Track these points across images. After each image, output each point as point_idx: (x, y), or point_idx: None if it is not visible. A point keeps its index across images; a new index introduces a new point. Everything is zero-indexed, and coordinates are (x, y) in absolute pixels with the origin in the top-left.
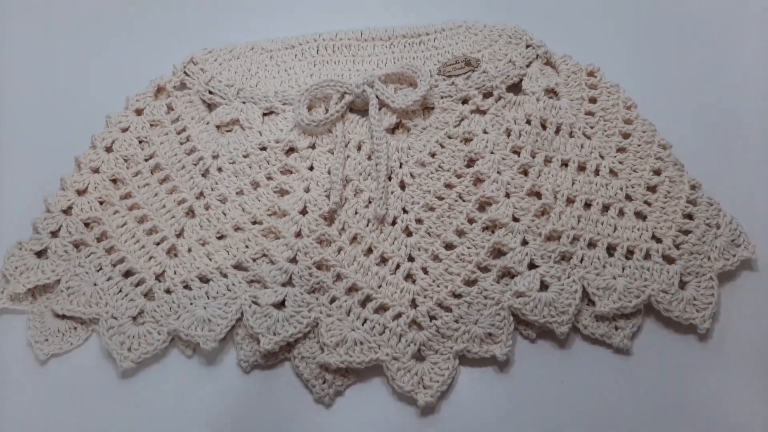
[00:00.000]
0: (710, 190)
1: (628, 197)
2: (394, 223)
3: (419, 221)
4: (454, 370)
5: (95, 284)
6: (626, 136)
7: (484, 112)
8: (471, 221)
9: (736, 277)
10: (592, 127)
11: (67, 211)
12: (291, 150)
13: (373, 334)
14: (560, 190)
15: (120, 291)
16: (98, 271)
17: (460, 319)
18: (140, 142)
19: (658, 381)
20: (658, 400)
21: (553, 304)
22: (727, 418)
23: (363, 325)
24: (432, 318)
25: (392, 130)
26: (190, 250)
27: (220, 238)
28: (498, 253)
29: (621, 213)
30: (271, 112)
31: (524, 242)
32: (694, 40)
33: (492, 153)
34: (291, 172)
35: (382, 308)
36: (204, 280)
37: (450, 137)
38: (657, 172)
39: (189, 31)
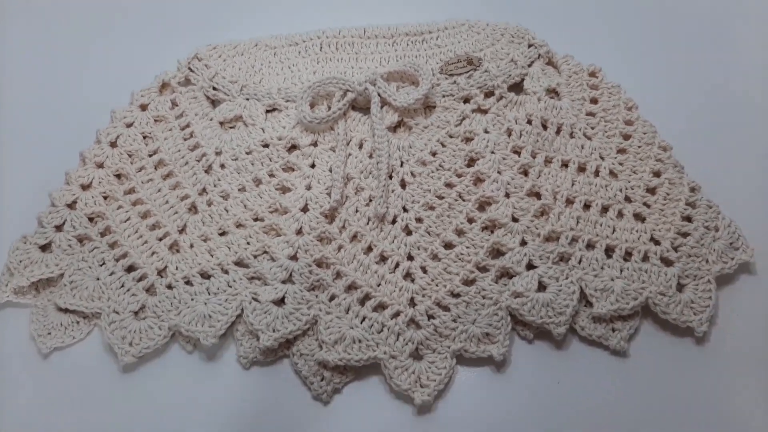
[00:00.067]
0: (710, 193)
1: (628, 199)
2: (394, 221)
3: (419, 220)
4: (451, 370)
5: (98, 279)
6: (627, 137)
7: (485, 112)
8: (470, 221)
9: (734, 280)
10: (592, 128)
11: (71, 206)
12: (293, 147)
13: (371, 332)
14: (560, 191)
15: (122, 286)
16: (101, 265)
17: (458, 319)
18: (144, 137)
19: (654, 383)
20: (654, 402)
21: (550, 305)
22: (724, 421)
23: (362, 323)
24: (430, 317)
25: (394, 129)
26: (192, 246)
27: (222, 234)
28: (497, 253)
29: (620, 214)
30: (274, 109)
31: (523, 242)
32: (696, 42)
33: (493, 153)
34: (293, 170)
35: (380, 306)
36: (205, 276)
37: (451, 136)
38: (657, 174)
39: (194, 28)
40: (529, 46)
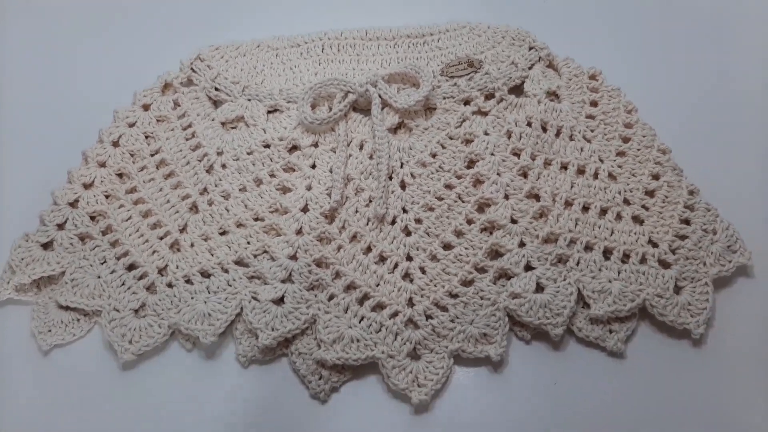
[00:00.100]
0: (709, 196)
1: (626, 201)
2: (393, 222)
3: (418, 221)
4: (448, 370)
5: (99, 277)
6: (626, 140)
7: (485, 114)
8: (470, 222)
9: (731, 283)
10: (592, 131)
11: (73, 204)
12: (294, 148)
13: (369, 331)
14: (559, 193)
15: (123, 284)
16: (102, 263)
17: (456, 319)
18: (147, 137)
19: (651, 385)
20: (651, 403)
21: (548, 306)
22: (720, 423)
23: (360, 322)
24: (428, 317)
25: (394, 130)
26: (192, 245)
27: (223, 233)
28: (495, 254)
29: (618, 217)
30: (276, 110)
31: (521, 244)
32: (696, 45)
33: (492, 155)
34: (293, 170)
35: (379, 306)
36: (205, 274)
37: (451, 138)
38: (656, 177)
39: (196, 28)
40: (530, 48)
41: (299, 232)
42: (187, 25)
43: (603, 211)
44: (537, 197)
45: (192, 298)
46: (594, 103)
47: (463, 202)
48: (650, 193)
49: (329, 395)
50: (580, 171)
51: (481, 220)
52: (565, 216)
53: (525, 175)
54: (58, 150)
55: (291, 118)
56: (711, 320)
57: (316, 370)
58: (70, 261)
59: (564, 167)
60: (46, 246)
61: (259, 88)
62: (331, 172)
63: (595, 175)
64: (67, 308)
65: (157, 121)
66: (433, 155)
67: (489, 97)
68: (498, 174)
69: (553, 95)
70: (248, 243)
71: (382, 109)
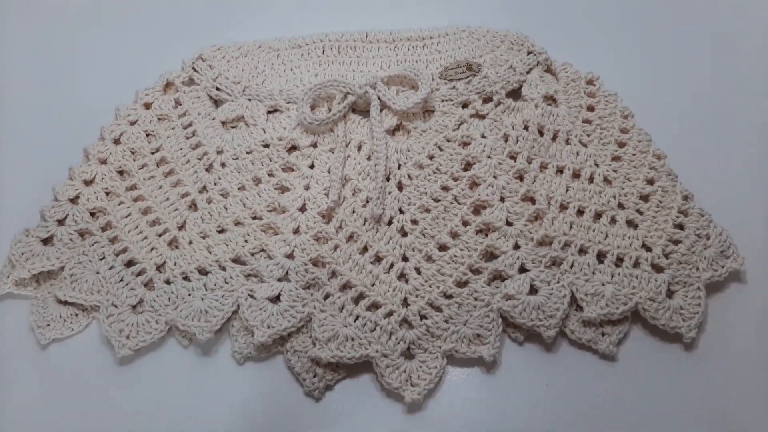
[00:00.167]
0: (703, 201)
1: (621, 205)
2: (390, 223)
3: (415, 222)
4: (441, 369)
5: (98, 272)
6: (622, 145)
7: (483, 117)
8: (465, 224)
9: (724, 288)
10: (588, 135)
11: (74, 201)
12: (293, 148)
13: (364, 330)
14: (554, 196)
15: (121, 280)
16: (101, 259)
17: (450, 320)
18: (147, 135)
19: (642, 388)
20: (642, 406)
21: (541, 308)
22: (710, 427)
23: (355, 321)
24: (422, 317)
25: (392, 132)
26: (190, 243)
27: (221, 231)
28: (490, 256)
29: (613, 221)
30: (276, 110)
31: (516, 246)
32: (693, 53)
33: (489, 157)
34: (292, 170)
35: (374, 306)
36: (203, 272)
37: (449, 140)
38: (650, 182)
39: (198, 28)
40: (528, 53)
41: (296, 231)
42: (189, 25)
43: (597, 215)
44: (532, 200)
45: (189, 295)
46: (591, 108)
47: (459, 204)
48: (645, 198)
49: (323, 393)
50: (576, 175)
51: (477, 222)
52: (560, 219)
53: (521, 178)
54: (61, 147)
55: (290, 118)
56: (703, 325)
57: (310, 368)
58: (69, 256)
59: (560, 171)
60: (46, 241)
61: (260, 88)
62: (329, 172)
63: (591, 179)
64: (65, 303)
65: (158, 119)
66: (431, 157)
67: (487, 100)
68: (494, 177)
69: (550, 99)
70: (246, 241)
71: (381, 110)
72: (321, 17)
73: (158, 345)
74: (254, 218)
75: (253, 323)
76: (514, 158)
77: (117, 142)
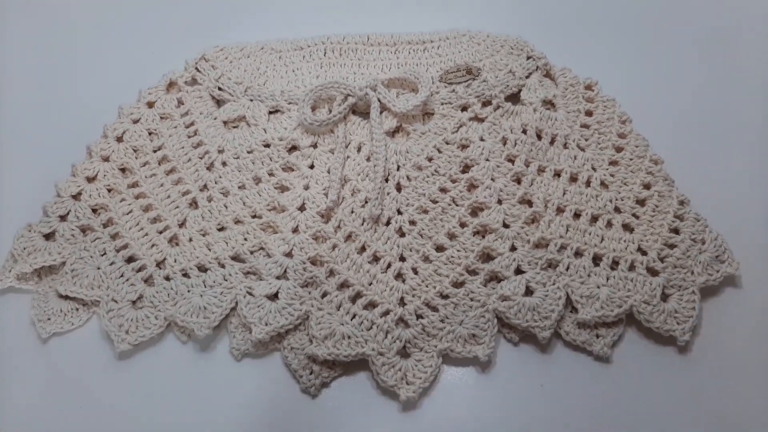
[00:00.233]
0: (699, 207)
1: (617, 209)
2: (388, 223)
3: (412, 223)
4: (437, 368)
5: (98, 268)
6: (619, 149)
7: (482, 120)
8: (462, 225)
9: (719, 292)
10: (586, 140)
11: (76, 197)
12: (293, 148)
13: (360, 329)
14: (551, 200)
15: (122, 276)
16: (102, 255)
17: (446, 319)
18: (150, 133)
19: (636, 390)
20: (635, 408)
21: (536, 309)
22: (703, 429)
23: (352, 320)
24: (419, 317)
25: (392, 134)
26: (191, 240)
27: (221, 229)
28: (487, 257)
29: (609, 224)
30: (277, 111)
31: (513, 248)
32: (691, 59)
33: (487, 160)
34: (292, 170)
35: (371, 305)
36: (202, 269)
37: (447, 143)
38: (647, 186)
39: (201, 29)
40: (528, 57)
41: (295, 230)
42: (193, 26)
43: (594, 218)
44: (529, 203)
45: (188, 291)
46: (589, 113)
47: (457, 205)
48: (641, 202)
49: (320, 390)
50: (573, 178)
51: (474, 223)
52: (557, 222)
53: (518, 181)
54: (64, 145)
55: (291, 119)
56: (698, 328)
57: (307, 365)
58: (70, 252)
59: (557, 174)
60: (48, 237)
61: (262, 89)
62: (328, 172)
63: (588, 183)
64: (66, 298)
65: (161, 118)
66: (429, 159)
67: (486, 104)
68: (492, 179)
69: (549, 104)
70: (245, 239)
71: (381, 112)
72: (323, 19)
73: (157, 340)
74: (254, 217)
75: (251, 320)
76: (512, 161)
77: (120, 139)
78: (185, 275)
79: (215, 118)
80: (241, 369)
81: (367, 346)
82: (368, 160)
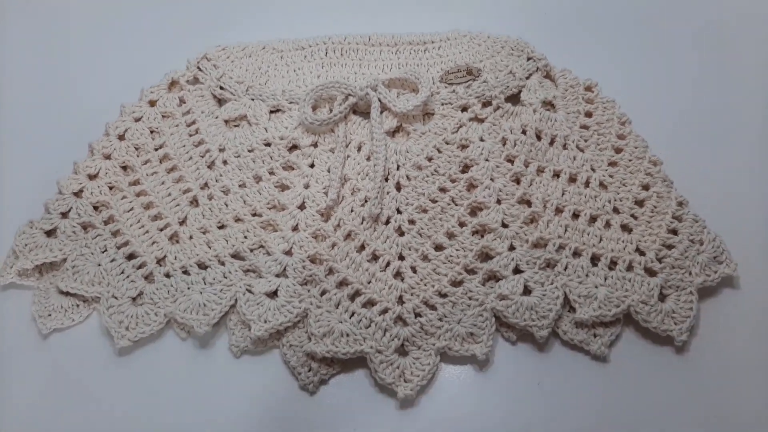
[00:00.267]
0: (697, 208)
1: (616, 210)
2: (387, 222)
3: (412, 222)
4: (435, 366)
5: (99, 265)
6: (618, 150)
7: (481, 121)
8: (461, 225)
9: (717, 293)
10: (585, 141)
11: (77, 194)
12: (294, 147)
13: (359, 327)
14: (550, 200)
15: (122, 272)
16: (103, 252)
17: (444, 318)
18: (151, 132)
19: (633, 389)
20: (632, 407)
21: (534, 309)
22: (700, 429)
23: (350, 318)
24: (417, 315)
25: (392, 133)
26: (191, 238)
27: (221, 227)
28: (485, 256)
29: (607, 225)
30: (278, 110)
31: (511, 248)
32: (691, 61)
33: (487, 160)
34: (292, 168)
35: (369, 303)
36: (202, 266)
37: (447, 143)
38: (645, 187)
39: (203, 29)
40: (528, 59)
41: (295, 228)
42: (195, 26)
43: (592, 219)
44: (528, 203)
45: (188, 288)
46: (588, 114)
47: (456, 205)
48: (640, 203)
49: (318, 387)
50: (572, 179)
51: (473, 223)
52: (555, 222)
53: (518, 182)
54: (66, 143)
55: (292, 118)
56: (695, 329)
57: (306, 363)
58: (72, 248)
59: (556, 175)
60: (50, 233)
61: (263, 88)
62: (328, 171)
63: (587, 184)
64: (67, 294)
65: (163, 116)
66: (429, 159)
67: (486, 104)
68: (491, 179)
69: (548, 105)
70: (245, 237)
71: (381, 112)
72: (324, 20)
73: (157, 337)
74: (254, 215)
75: (250, 317)
76: (511, 161)
77: (121, 138)
78: (185, 272)
79: (216, 117)
80: (240, 366)
81: (365, 344)
82: (368, 159)
